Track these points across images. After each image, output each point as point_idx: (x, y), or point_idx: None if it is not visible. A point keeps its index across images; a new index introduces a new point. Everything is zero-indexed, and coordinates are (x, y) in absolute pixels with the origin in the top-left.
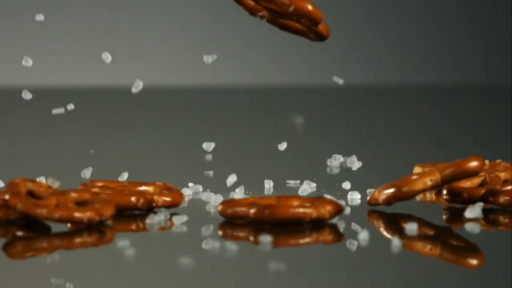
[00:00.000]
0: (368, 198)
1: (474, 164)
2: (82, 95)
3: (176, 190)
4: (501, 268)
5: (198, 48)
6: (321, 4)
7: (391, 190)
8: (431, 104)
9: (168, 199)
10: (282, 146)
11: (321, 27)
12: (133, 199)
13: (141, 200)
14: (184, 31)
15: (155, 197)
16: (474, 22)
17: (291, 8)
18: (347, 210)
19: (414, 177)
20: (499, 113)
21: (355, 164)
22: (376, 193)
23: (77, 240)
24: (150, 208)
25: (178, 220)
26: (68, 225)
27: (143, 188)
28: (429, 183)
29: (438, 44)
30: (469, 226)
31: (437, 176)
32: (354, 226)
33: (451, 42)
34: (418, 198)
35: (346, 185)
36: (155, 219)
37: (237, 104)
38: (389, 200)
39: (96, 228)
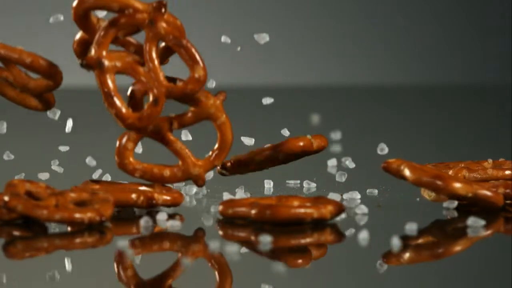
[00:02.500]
0: (386, 164)
1: (498, 202)
2: (80, 95)
3: (176, 190)
4: (502, 270)
5: (197, 47)
6: (322, 4)
7: (431, 179)
8: (431, 104)
9: (168, 197)
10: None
11: (316, 144)
12: (133, 196)
13: (142, 198)
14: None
15: (156, 195)
16: (474, 22)
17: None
18: (349, 211)
19: (458, 182)
20: (499, 113)
21: (384, 150)
22: (404, 168)
23: (76, 240)
24: (150, 206)
25: (173, 224)
26: (69, 228)
27: (143, 188)
28: (469, 195)
29: (438, 44)
30: (471, 226)
31: (471, 190)
32: (354, 226)
33: (451, 42)
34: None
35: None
36: (150, 222)
37: (236, 104)
38: (420, 184)
39: (95, 228)
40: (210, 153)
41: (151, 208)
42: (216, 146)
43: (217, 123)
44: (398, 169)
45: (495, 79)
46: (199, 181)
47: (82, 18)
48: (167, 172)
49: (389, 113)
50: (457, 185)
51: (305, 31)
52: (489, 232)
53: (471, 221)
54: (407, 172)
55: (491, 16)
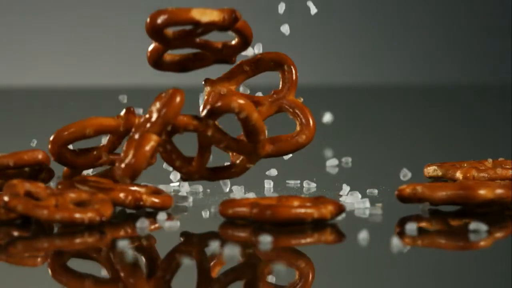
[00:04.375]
0: (399, 192)
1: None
2: (81, 95)
3: (166, 194)
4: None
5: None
6: (323, 4)
7: (457, 191)
8: (431, 104)
9: (157, 200)
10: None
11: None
12: (121, 195)
13: (129, 197)
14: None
15: (144, 197)
16: (474, 22)
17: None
18: (350, 211)
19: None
20: (499, 113)
21: (407, 176)
22: (422, 190)
23: (76, 240)
24: (137, 207)
25: (172, 224)
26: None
27: (134, 188)
28: (493, 196)
29: (438, 44)
30: (472, 227)
31: (493, 192)
32: (355, 225)
33: (451, 42)
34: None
35: (345, 188)
36: (146, 223)
37: None
38: (447, 200)
39: (95, 228)
40: (213, 169)
41: (138, 209)
42: (223, 168)
43: (246, 165)
44: (414, 193)
45: (495, 79)
46: (183, 178)
47: (60, 154)
48: (179, 163)
49: (389, 113)
50: (482, 191)
51: (305, 31)
52: (496, 234)
53: (474, 225)
54: (437, 194)
55: (491, 16)
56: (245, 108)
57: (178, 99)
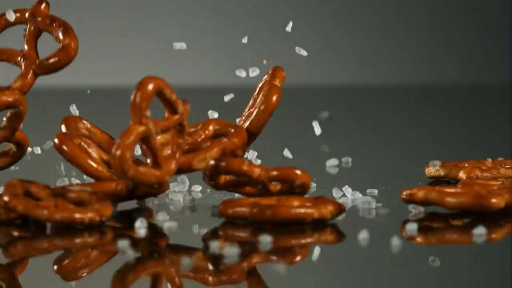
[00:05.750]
0: (408, 196)
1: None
2: (81, 95)
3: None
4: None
5: (201, 47)
6: (322, 4)
7: (473, 200)
8: (431, 104)
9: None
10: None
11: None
12: (112, 184)
13: (120, 186)
14: (188, 31)
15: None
16: (474, 22)
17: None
18: (353, 211)
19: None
20: (499, 113)
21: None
22: (435, 195)
23: (76, 240)
24: (131, 193)
25: (171, 224)
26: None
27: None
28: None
29: (438, 44)
30: (475, 231)
31: (504, 200)
32: (355, 225)
33: (451, 42)
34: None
35: (346, 189)
36: (145, 223)
37: (236, 104)
38: (460, 207)
39: (95, 228)
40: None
41: (131, 199)
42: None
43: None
44: (426, 197)
45: (495, 79)
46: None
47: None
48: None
49: (389, 113)
50: (495, 200)
51: (305, 30)
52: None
53: (477, 230)
54: (447, 201)
55: (491, 16)
56: (305, 185)
57: (150, 85)
